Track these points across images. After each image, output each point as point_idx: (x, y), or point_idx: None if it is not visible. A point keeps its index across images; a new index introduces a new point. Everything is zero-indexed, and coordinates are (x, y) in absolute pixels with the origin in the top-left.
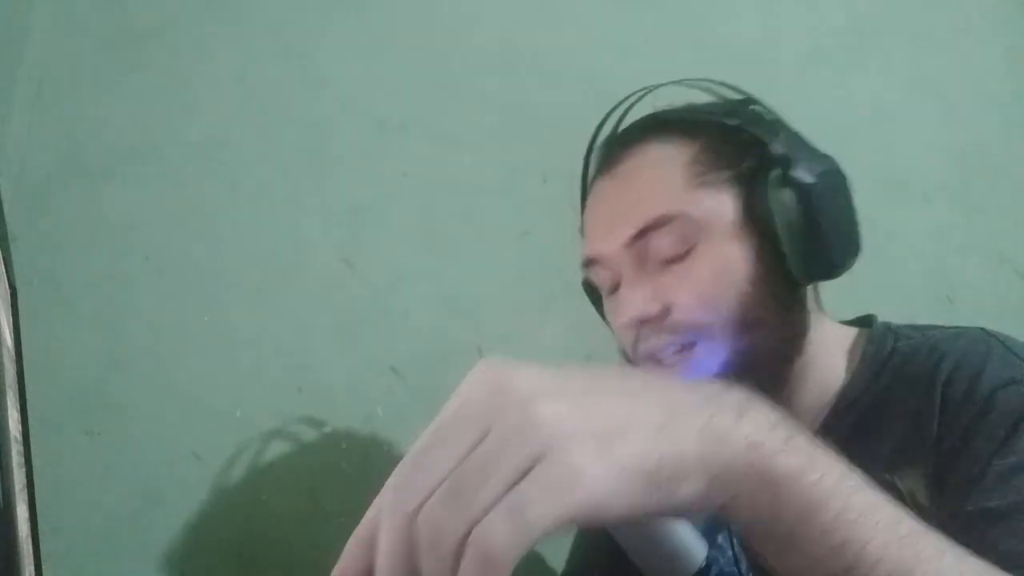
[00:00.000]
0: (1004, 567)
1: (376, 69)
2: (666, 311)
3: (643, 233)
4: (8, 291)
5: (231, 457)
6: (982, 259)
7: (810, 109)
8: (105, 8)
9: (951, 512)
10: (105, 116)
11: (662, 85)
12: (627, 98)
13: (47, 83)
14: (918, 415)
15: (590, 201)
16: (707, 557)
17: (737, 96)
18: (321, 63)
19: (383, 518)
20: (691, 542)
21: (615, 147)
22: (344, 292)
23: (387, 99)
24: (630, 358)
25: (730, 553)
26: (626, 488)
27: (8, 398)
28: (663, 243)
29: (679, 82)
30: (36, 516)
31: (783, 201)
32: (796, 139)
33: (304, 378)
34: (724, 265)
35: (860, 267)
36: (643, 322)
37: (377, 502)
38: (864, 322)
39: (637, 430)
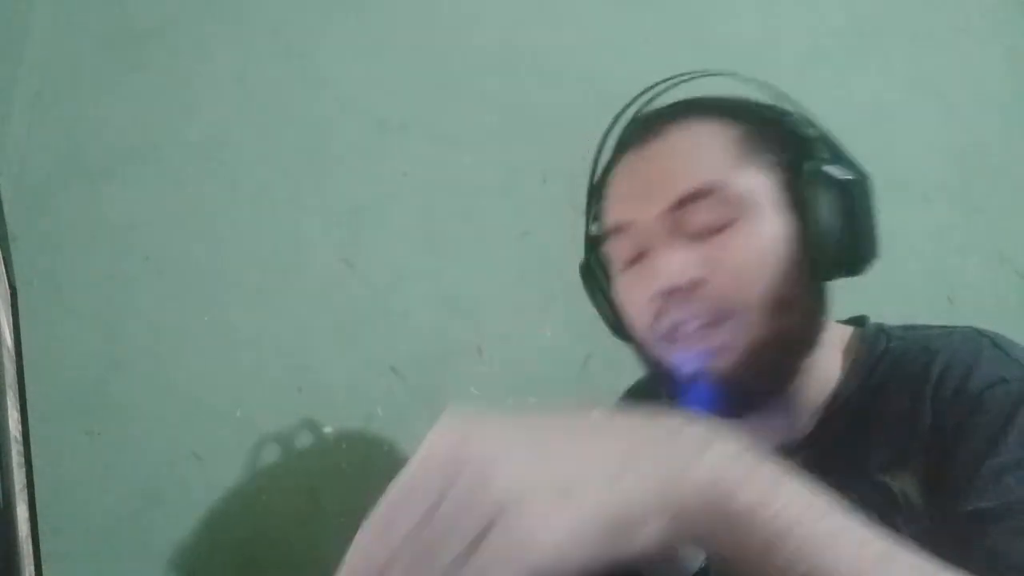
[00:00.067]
0: (999, 568)
1: (376, 69)
2: (700, 283)
3: (683, 202)
4: (8, 291)
5: (231, 457)
6: (982, 259)
7: (810, 109)
8: (105, 8)
9: (944, 513)
10: (105, 116)
11: (697, 75)
12: (656, 85)
13: (47, 83)
14: (910, 415)
15: (619, 171)
16: (707, 558)
17: (765, 91)
18: (321, 63)
19: None
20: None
21: (652, 122)
22: (344, 292)
23: (387, 99)
24: (641, 340)
25: None
26: (585, 539)
27: (8, 398)
28: (701, 215)
29: (711, 73)
30: (36, 516)
31: (820, 194)
32: (830, 138)
33: (304, 378)
34: (765, 243)
35: None
36: (673, 292)
37: (348, 561)
38: (856, 323)
39: (593, 480)
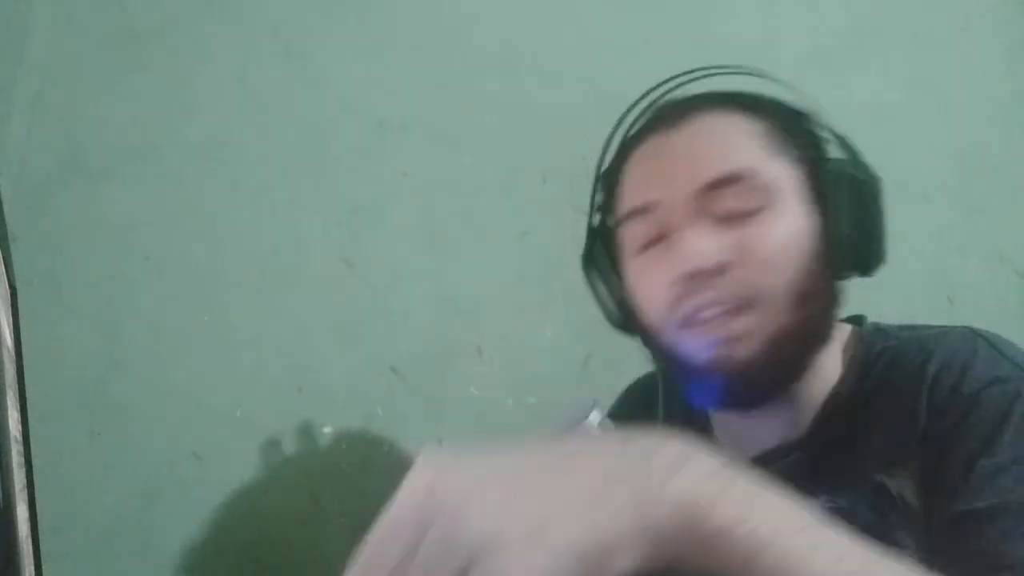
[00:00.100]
0: (994, 568)
1: (376, 69)
2: (727, 267)
3: (714, 185)
4: (8, 291)
5: (231, 457)
6: (982, 259)
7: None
8: (105, 8)
9: (939, 513)
10: (105, 116)
11: (720, 71)
12: (675, 77)
13: (47, 83)
14: (906, 415)
15: (639, 155)
16: None
17: (787, 91)
18: (321, 63)
19: None
20: None
21: (676, 110)
22: (344, 292)
23: (387, 99)
24: (654, 326)
25: None
26: (562, 573)
27: (8, 398)
28: (730, 200)
29: (735, 71)
30: (36, 516)
31: (843, 191)
32: (847, 140)
33: (304, 378)
34: (791, 233)
35: None
36: (697, 275)
37: None
38: (854, 322)
39: (567, 514)
